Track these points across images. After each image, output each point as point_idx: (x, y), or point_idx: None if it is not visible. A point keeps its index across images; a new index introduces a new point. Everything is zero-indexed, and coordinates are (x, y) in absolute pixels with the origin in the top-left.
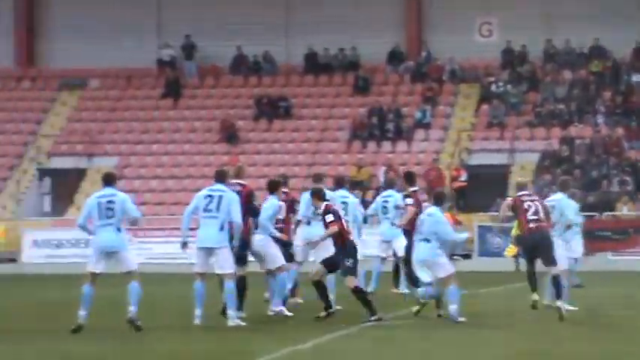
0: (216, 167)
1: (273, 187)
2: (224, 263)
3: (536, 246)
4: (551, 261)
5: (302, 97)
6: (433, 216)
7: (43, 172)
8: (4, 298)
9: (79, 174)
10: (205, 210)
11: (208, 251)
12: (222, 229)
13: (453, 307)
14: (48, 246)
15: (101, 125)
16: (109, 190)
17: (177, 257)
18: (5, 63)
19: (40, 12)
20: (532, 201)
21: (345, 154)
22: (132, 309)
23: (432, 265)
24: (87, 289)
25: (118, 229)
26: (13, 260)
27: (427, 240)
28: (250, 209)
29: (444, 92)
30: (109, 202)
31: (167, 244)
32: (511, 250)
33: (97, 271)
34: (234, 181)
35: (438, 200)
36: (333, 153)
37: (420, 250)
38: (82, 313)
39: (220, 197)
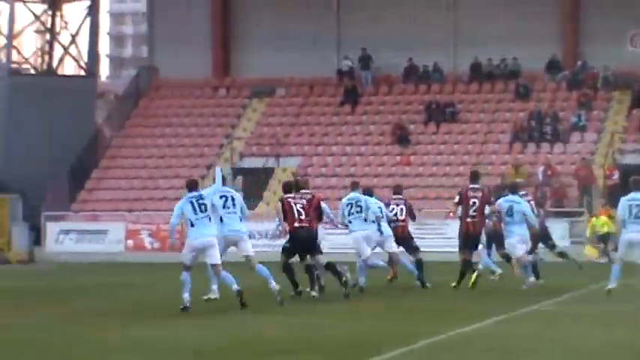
0: (389, 167)
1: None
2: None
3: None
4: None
5: (467, 103)
6: (521, 203)
7: (236, 171)
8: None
9: (268, 173)
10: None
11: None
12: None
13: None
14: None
15: (287, 129)
16: (195, 193)
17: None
18: (204, 73)
19: (234, 27)
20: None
21: (506, 154)
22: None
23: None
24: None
25: (210, 219)
26: None
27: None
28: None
29: (598, 98)
30: (200, 197)
31: (347, 236)
32: (590, 250)
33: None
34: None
35: (514, 189)
36: (495, 154)
37: (520, 229)
38: (234, 287)
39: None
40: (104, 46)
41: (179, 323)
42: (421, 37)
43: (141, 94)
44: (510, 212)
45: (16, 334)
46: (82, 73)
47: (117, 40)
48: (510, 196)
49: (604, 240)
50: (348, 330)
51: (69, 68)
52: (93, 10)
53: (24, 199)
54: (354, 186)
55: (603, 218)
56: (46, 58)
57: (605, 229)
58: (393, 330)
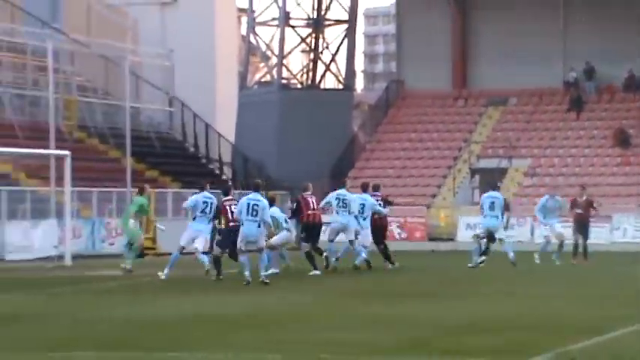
0: (611, 167)
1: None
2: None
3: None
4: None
5: None
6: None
7: (474, 171)
8: (447, 268)
9: (501, 172)
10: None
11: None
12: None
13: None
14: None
15: (518, 134)
16: (255, 195)
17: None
18: (444, 86)
19: (471, 45)
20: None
21: None
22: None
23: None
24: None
25: (259, 225)
26: (451, 239)
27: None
28: None
29: None
30: (255, 204)
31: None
32: None
33: (244, 249)
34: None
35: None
36: None
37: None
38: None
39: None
40: (359, 63)
41: (407, 303)
42: None
43: (390, 105)
44: (492, 207)
45: (276, 308)
46: (341, 86)
47: (370, 57)
48: (491, 192)
49: None
50: (562, 312)
51: (329, 83)
52: (350, 32)
53: (292, 195)
54: (343, 184)
55: None
56: (310, 74)
57: None
58: (608, 313)
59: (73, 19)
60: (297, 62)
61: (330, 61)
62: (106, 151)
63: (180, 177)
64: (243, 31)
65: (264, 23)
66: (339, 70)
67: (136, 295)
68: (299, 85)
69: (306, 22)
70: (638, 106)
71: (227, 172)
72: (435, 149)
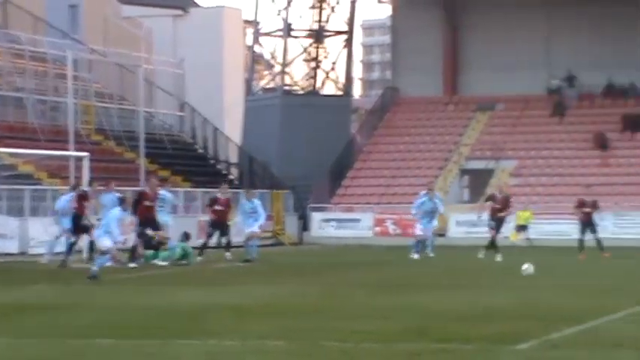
0: (591, 168)
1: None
2: None
3: None
4: None
5: None
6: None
7: (463, 172)
8: (440, 262)
9: (488, 173)
10: None
11: None
12: None
13: None
14: (466, 225)
15: (505, 137)
16: None
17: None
18: (436, 92)
19: (461, 52)
20: None
21: None
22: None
23: None
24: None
25: None
26: (442, 235)
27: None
28: None
29: None
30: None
31: (554, 225)
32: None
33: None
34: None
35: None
36: None
37: None
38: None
39: None
40: (357, 71)
41: (411, 294)
42: (619, 59)
43: (386, 110)
44: None
45: (286, 299)
46: (339, 93)
47: (367, 66)
48: None
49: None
50: (551, 302)
51: (329, 89)
52: (348, 43)
53: (294, 193)
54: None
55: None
56: (311, 81)
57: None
58: (596, 303)
59: (92, 30)
60: (299, 70)
61: (330, 69)
62: (121, 152)
63: (191, 176)
64: (249, 42)
65: (268, 34)
66: (338, 78)
67: (152, 286)
68: (300, 92)
69: (307, 32)
70: (617, 111)
71: (234, 172)
72: (427, 151)
